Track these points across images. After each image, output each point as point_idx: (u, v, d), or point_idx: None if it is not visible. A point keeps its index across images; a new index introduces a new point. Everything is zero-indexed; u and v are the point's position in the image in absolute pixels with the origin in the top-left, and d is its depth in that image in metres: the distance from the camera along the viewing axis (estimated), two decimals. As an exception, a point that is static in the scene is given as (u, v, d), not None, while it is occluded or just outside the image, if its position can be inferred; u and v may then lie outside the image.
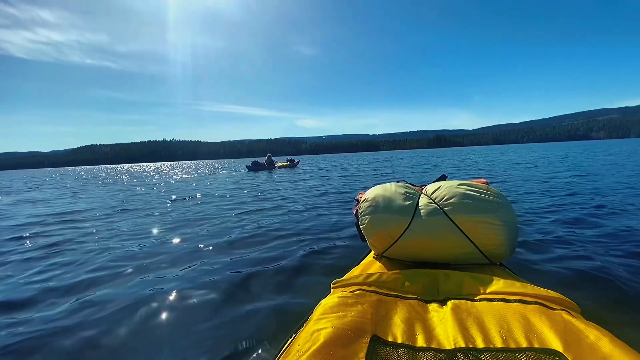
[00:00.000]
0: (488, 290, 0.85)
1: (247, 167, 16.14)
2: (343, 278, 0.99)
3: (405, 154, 47.84)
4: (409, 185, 1.36)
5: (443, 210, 1.13)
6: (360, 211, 1.29)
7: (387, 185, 1.33)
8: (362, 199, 1.33)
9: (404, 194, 1.24)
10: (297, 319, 1.20)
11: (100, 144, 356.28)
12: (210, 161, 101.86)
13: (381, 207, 1.21)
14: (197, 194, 6.33)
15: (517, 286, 0.83)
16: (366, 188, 1.60)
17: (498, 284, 0.86)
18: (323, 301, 0.85)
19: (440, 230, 1.10)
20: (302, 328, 0.77)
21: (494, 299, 0.81)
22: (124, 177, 16.78)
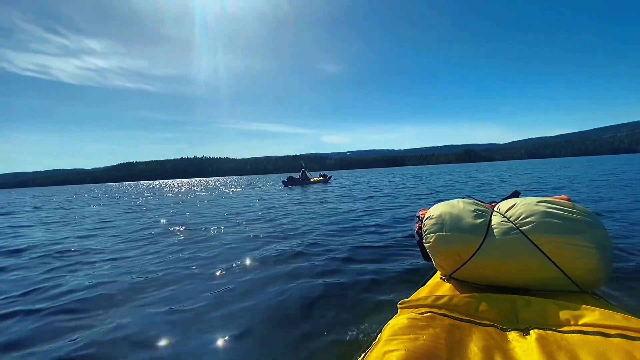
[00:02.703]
0: (581, 322, 0.75)
1: (283, 182, 16.59)
2: (410, 299, 0.96)
3: (437, 168, 45.67)
4: (477, 202, 1.26)
5: (520, 229, 1.04)
6: (424, 229, 1.22)
7: (454, 201, 1.25)
8: (425, 216, 1.26)
9: (473, 211, 1.16)
10: (363, 337, 1.32)
11: (136, 161, 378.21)
12: (241, 177, 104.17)
13: (448, 225, 1.14)
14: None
15: (617, 319, 0.73)
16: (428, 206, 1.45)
17: (593, 315, 0.76)
18: (391, 322, 0.83)
19: (518, 251, 1.01)
20: (371, 348, 0.75)
21: (589, 331, 0.71)
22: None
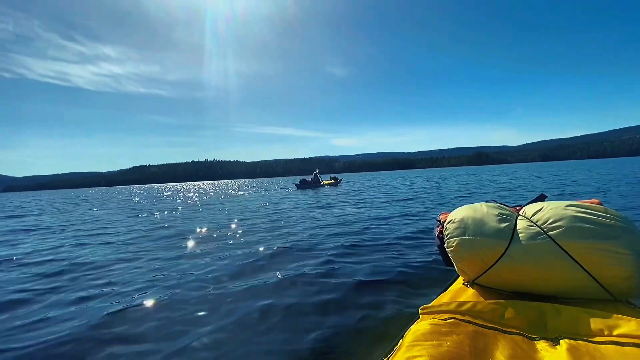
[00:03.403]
0: (616, 332, 0.71)
1: (296, 185, 16.80)
2: (432, 304, 0.93)
3: (450, 171, 44.58)
4: (501, 205, 1.22)
5: (548, 234, 1.00)
6: (446, 233, 1.19)
7: (477, 205, 1.21)
8: (447, 220, 1.22)
9: (497, 215, 1.12)
10: (381, 341, 1.29)
11: (149, 165, 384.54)
12: (251, 180, 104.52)
13: (471, 229, 1.10)
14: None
15: None
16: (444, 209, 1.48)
17: (629, 325, 0.71)
18: (413, 327, 0.81)
19: (546, 257, 0.98)
20: (392, 354, 0.73)
21: (625, 342, 0.67)
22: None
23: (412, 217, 4.75)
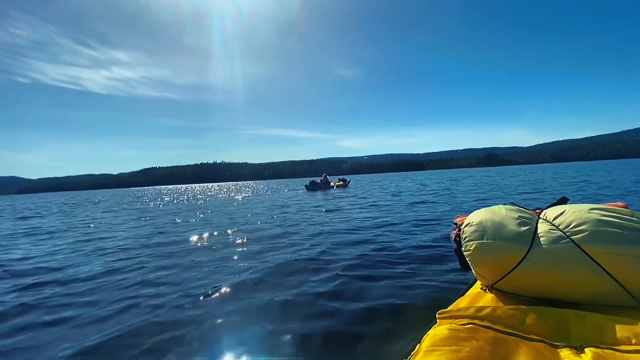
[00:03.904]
0: None
1: (306, 186, 16.97)
2: (450, 309, 0.91)
3: (462, 172, 43.71)
4: (521, 208, 1.18)
5: (571, 239, 0.97)
6: (463, 236, 1.15)
7: (496, 208, 1.18)
8: (465, 223, 1.19)
9: (517, 218, 1.09)
10: (397, 346, 1.25)
11: (159, 167, 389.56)
12: (259, 182, 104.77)
13: (490, 233, 1.07)
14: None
15: None
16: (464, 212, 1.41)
17: None
18: (431, 332, 0.79)
19: (569, 262, 0.94)
20: (410, 358, 0.73)
21: None
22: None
23: (425, 222, 4.42)
